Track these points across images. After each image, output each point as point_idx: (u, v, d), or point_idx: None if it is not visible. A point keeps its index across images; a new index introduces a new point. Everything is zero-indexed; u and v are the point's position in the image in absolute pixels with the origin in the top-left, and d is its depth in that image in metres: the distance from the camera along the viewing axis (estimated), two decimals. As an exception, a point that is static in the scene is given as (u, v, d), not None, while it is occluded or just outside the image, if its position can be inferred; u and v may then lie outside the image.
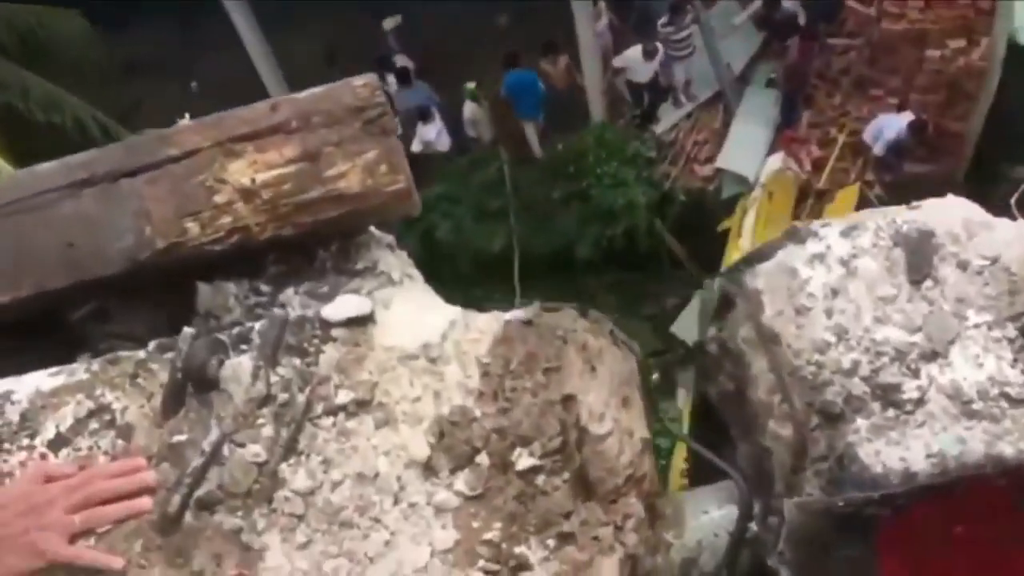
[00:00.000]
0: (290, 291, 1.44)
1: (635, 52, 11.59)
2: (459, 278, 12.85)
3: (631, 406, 1.36)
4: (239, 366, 1.28)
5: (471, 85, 12.36)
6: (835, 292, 1.30)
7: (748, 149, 11.58)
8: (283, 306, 1.41)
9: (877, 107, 11.14)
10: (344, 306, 1.30)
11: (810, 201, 11.00)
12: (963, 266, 1.31)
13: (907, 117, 10.54)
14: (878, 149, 10.70)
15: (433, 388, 1.28)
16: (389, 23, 13.22)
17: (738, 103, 11.88)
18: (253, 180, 1.41)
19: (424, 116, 12.34)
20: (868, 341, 1.26)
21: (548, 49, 12.09)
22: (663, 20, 11.49)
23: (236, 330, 1.33)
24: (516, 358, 1.27)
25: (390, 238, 1.60)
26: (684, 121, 12.28)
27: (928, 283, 1.30)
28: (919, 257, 1.30)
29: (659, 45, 11.50)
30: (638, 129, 12.08)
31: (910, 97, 10.93)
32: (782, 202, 11.04)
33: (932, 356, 1.27)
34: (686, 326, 12.27)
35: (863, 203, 10.19)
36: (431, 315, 1.35)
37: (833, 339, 1.27)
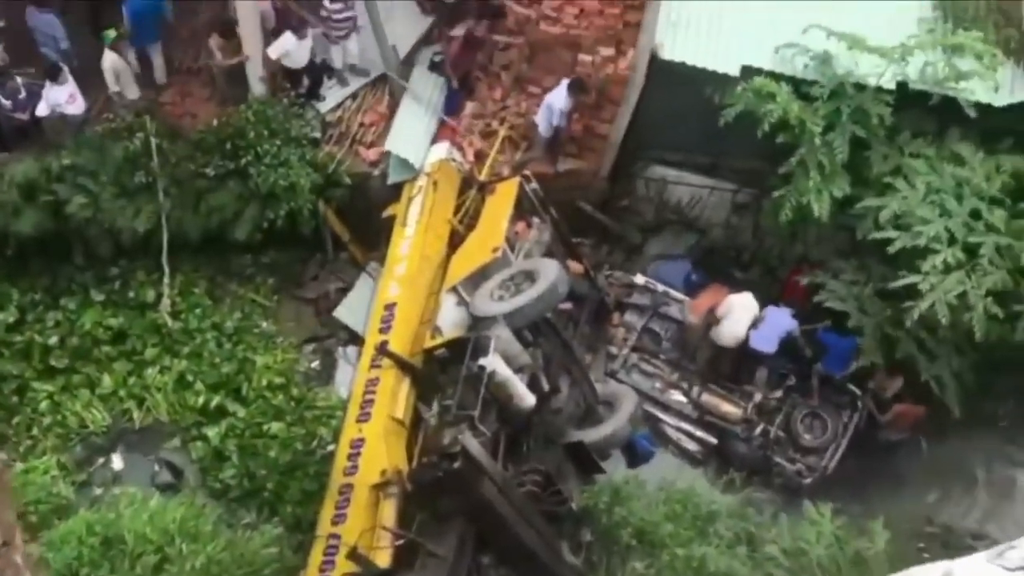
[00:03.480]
0: None
1: (287, 39, 11.15)
2: (94, 259, 11.43)
3: None
4: None
5: (111, 32, 10.95)
6: None
7: (414, 135, 11.54)
8: None
9: (535, 103, 11.60)
10: None
11: (472, 192, 11.23)
12: None
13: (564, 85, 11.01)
14: (555, 120, 11.03)
15: None
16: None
17: (405, 86, 11.72)
18: None
19: (54, 75, 10.63)
20: None
21: (221, 26, 11.16)
22: (329, -2, 11.03)
23: None
24: None
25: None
26: (349, 101, 11.88)
27: None
28: None
29: (308, 26, 11.23)
30: (302, 108, 11.45)
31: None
32: (446, 192, 11.18)
33: None
34: (350, 310, 12.05)
35: (522, 196, 10.60)
36: None
37: None
